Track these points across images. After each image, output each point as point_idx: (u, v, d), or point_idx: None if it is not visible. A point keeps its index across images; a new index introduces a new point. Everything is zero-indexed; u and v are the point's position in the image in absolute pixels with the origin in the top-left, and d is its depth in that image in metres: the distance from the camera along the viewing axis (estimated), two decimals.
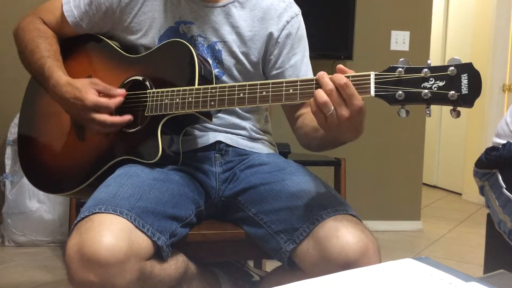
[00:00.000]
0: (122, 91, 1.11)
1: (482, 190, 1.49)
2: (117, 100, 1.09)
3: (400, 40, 3.11)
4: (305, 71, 1.25)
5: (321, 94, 0.87)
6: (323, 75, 0.89)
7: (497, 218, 1.38)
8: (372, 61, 3.04)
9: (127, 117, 1.09)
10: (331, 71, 0.88)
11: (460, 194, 4.48)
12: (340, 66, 0.90)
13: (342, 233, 0.96)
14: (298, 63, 1.24)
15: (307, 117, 1.18)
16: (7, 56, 2.51)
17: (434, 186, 4.88)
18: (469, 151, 4.27)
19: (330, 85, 0.87)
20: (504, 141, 1.39)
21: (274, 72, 1.23)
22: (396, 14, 3.12)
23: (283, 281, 0.64)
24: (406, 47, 3.12)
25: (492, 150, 1.39)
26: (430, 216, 3.62)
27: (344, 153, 2.77)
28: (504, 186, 1.34)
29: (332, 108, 0.87)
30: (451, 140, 4.64)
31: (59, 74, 1.13)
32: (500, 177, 1.36)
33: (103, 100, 1.07)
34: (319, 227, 0.99)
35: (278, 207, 1.07)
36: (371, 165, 3.16)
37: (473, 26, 4.33)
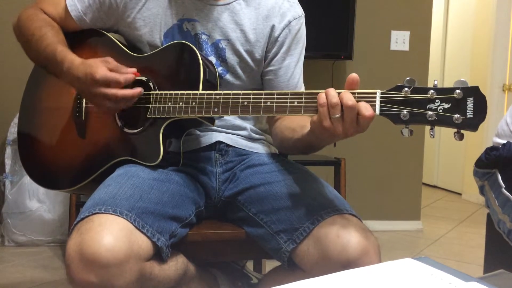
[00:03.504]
0: (133, 69, 1.09)
1: (482, 190, 1.49)
2: (128, 76, 1.07)
3: (400, 40, 3.11)
4: (298, 74, 1.25)
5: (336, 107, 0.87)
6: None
7: (497, 217, 1.38)
8: (372, 61, 3.04)
9: (138, 89, 1.07)
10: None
11: (460, 194, 4.48)
12: (353, 77, 0.90)
13: (342, 232, 0.96)
14: (292, 64, 1.24)
15: (286, 118, 1.18)
16: (7, 56, 2.52)
17: (434, 186, 4.88)
18: (469, 151, 4.27)
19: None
20: (504, 141, 1.39)
21: (268, 69, 1.23)
22: (396, 14, 3.12)
23: (282, 281, 0.64)
24: (406, 47, 3.12)
25: (492, 150, 1.39)
26: (430, 216, 3.61)
27: (344, 153, 2.77)
28: (503, 185, 1.34)
29: (339, 115, 0.87)
30: (451, 140, 4.63)
31: (72, 57, 1.11)
32: (499, 177, 1.36)
33: (113, 74, 1.05)
34: (319, 227, 0.99)
35: (278, 207, 1.07)
36: (371, 165, 3.16)
37: (473, 26, 4.33)
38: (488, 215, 1.50)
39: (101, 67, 1.05)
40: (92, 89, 1.06)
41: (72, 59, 1.11)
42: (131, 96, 1.06)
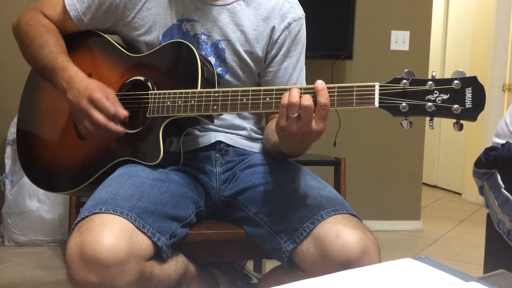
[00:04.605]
0: (126, 114, 1.07)
1: (481, 190, 1.49)
2: (119, 112, 1.05)
3: (400, 40, 3.11)
4: (297, 75, 1.26)
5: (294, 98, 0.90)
6: (322, 87, 0.91)
7: (496, 218, 1.38)
8: (372, 61, 3.04)
9: (120, 128, 1.06)
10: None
11: (460, 194, 4.48)
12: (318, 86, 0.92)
13: (342, 232, 0.96)
14: (291, 66, 1.24)
15: (271, 123, 1.19)
16: (7, 56, 2.52)
17: (434, 186, 4.88)
18: (469, 151, 4.27)
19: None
20: (503, 141, 1.39)
21: (267, 70, 1.24)
22: (396, 14, 3.12)
23: (282, 281, 0.64)
24: (406, 47, 3.12)
25: (491, 150, 1.39)
26: (430, 216, 3.62)
27: (344, 153, 2.77)
28: (503, 185, 1.34)
29: (296, 115, 0.90)
30: (451, 140, 4.64)
31: (75, 69, 1.12)
32: (499, 177, 1.36)
33: (108, 104, 1.05)
34: (319, 227, 0.99)
35: (278, 207, 1.07)
36: (371, 165, 3.16)
37: (473, 26, 4.33)
38: (488, 215, 1.50)
39: (101, 93, 1.06)
40: (82, 102, 1.06)
41: (76, 71, 1.11)
42: (112, 131, 1.05)
